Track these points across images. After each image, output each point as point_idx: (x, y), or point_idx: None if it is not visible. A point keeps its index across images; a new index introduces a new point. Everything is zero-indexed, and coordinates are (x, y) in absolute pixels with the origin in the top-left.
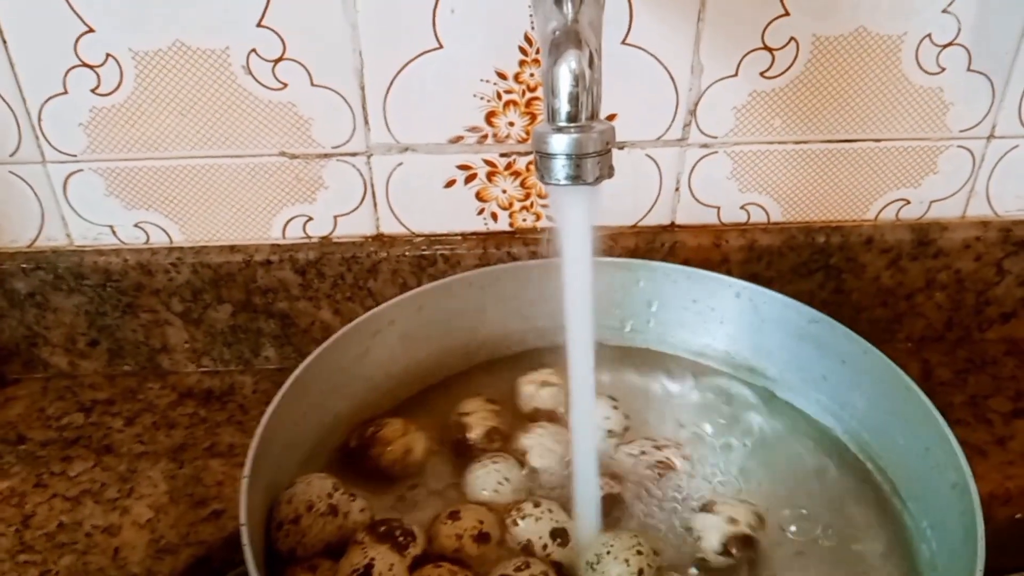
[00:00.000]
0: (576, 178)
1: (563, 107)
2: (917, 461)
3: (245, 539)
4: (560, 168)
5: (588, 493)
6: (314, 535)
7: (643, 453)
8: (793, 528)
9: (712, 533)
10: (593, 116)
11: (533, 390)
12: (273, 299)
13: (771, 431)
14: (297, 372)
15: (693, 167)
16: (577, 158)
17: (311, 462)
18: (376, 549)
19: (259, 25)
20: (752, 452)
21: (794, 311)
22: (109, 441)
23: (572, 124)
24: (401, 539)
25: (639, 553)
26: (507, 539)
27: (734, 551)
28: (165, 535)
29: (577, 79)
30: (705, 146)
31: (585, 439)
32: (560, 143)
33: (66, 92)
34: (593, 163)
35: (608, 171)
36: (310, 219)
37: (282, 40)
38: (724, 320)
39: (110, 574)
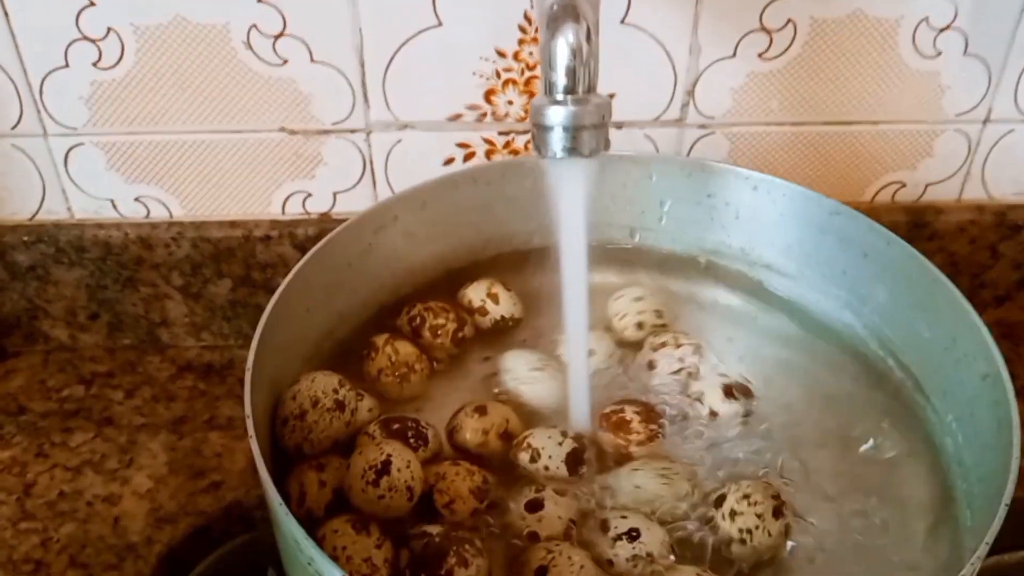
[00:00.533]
0: (572, 150)
1: (560, 80)
2: (942, 354)
3: (251, 430)
4: (557, 140)
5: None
6: (320, 431)
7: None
8: (807, 426)
9: (711, 390)
10: (590, 89)
11: None
12: (272, 274)
13: (785, 331)
14: (298, 266)
15: (691, 148)
16: (574, 130)
17: (315, 360)
18: (391, 445)
19: (260, 1)
20: (762, 352)
21: (815, 203)
22: (109, 413)
23: (569, 97)
24: (413, 439)
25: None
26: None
27: (736, 395)
28: (164, 505)
29: (574, 52)
30: (703, 127)
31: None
32: (557, 115)
33: (67, 66)
34: (590, 135)
35: (604, 144)
36: (309, 195)
37: (282, 16)
38: (740, 215)
39: (110, 542)
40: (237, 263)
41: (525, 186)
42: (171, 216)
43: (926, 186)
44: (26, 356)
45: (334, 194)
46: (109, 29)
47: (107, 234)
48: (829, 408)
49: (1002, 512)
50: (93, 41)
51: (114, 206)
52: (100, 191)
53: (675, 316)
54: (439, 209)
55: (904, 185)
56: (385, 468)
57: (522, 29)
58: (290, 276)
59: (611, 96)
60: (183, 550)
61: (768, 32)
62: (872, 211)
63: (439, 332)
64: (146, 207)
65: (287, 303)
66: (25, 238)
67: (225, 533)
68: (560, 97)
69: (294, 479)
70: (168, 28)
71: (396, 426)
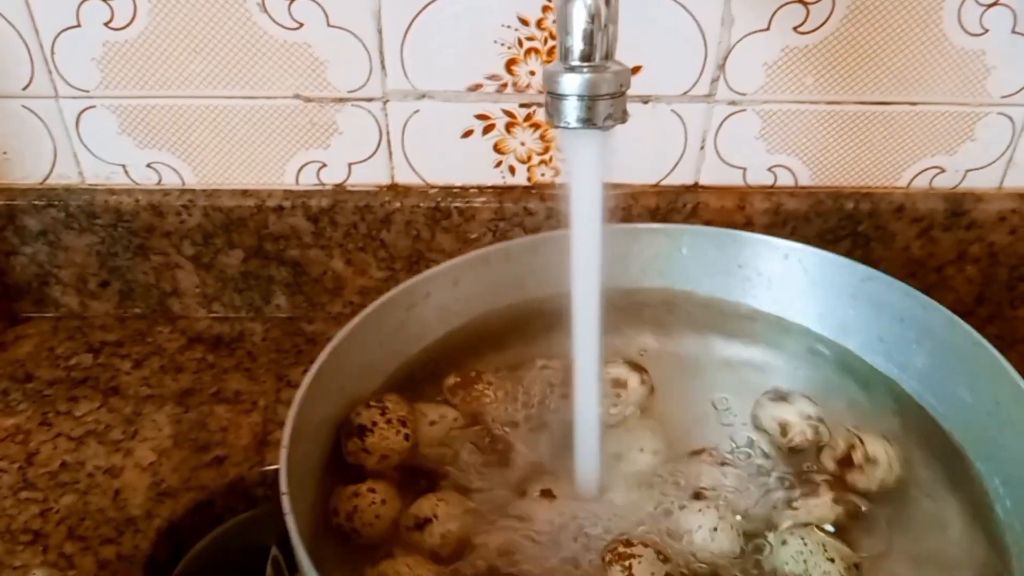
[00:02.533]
0: (587, 120)
1: (576, 45)
2: (986, 418)
3: (287, 507)
4: (571, 110)
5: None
6: None
7: None
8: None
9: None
10: (608, 57)
11: None
12: (285, 246)
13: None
14: (332, 344)
15: (720, 125)
16: (589, 99)
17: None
18: None
19: None
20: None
21: (848, 270)
22: (116, 383)
23: (585, 64)
24: None
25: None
26: None
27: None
28: (167, 479)
29: (592, 16)
30: (733, 103)
31: (589, 395)
32: (572, 83)
33: (79, 25)
34: (606, 105)
35: (622, 115)
36: (324, 165)
37: None
38: (772, 284)
39: (109, 515)
40: (249, 233)
41: (555, 258)
42: (183, 183)
43: (966, 172)
44: (36, 322)
45: (349, 165)
46: None
47: (118, 200)
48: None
49: None
50: (105, 0)
51: (126, 172)
52: (112, 156)
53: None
54: (471, 285)
55: (943, 170)
56: None
57: None
58: (324, 354)
59: (637, 69)
60: (184, 525)
61: (805, 4)
62: (908, 197)
63: None
64: (158, 173)
65: (321, 382)
66: (36, 202)
67: (227, 509)
68: (576, 64)
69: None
70: None
71: None
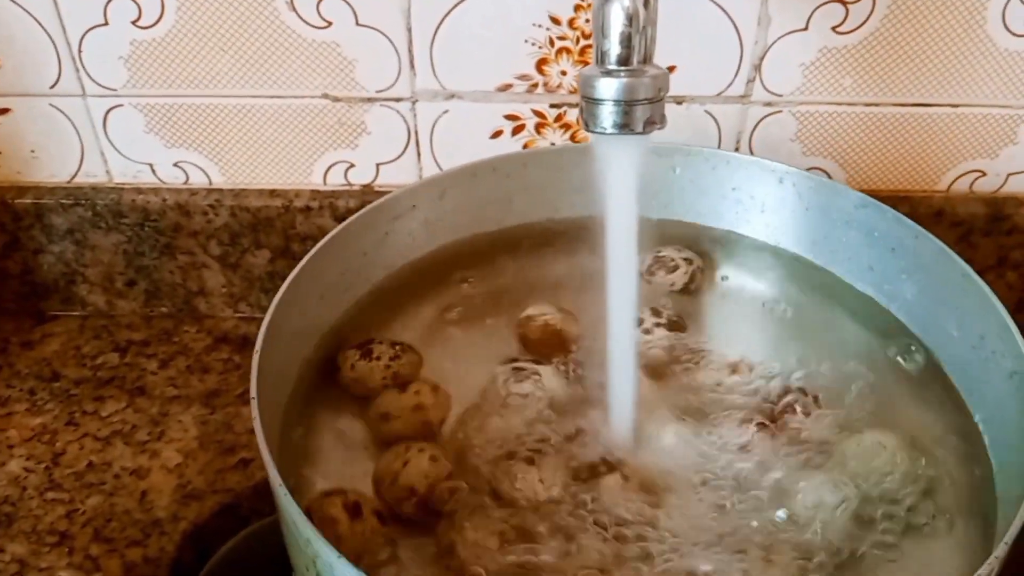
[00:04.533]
0: (624, 126)
1: (613, 49)
2: (971, 352)
3: (255, 412)
4: (607, 115)
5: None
6: None
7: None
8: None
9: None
10: (646, 60)
11: None
12: (312, 246)
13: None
14: (310, 254)
15: (755, 126)
16: (626, 104)
17: (325, 348)
18: None
19: None
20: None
21: (842, 196)
22: (143, 383)
23: (623, 68)
24: None
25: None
26: None
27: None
28: (193, 481)
29: (630, 18)
30: (769, 104)
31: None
32: (609, 88)
33: (107, 23)
34: (644, 110)
35: (660, 120)
36: (352, 166)
37: None
38: (765, 208)
39: (136, 517)
40: (276, 234)
41: (546, 176)
42: (210, 183)
43: (1008, 176)
44: (63, 320)
45: (377, 165)
46: None
47: (145, 200)
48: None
49: (1017, 522)
50: None
51: (153, 171)
52: (139, 155)
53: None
54: (458, 199)
55: (984, 174)
56: None
57: None
58: (302, 263)
59: (671, 69)
60: (209, 528)
61: (844, 3)
62: (948, 201)
63: None
64: (185, 173)
65: (298, 290)
66: (63, 201)
67: (253, 512)
68: (613, 67)
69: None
70: None
71: None
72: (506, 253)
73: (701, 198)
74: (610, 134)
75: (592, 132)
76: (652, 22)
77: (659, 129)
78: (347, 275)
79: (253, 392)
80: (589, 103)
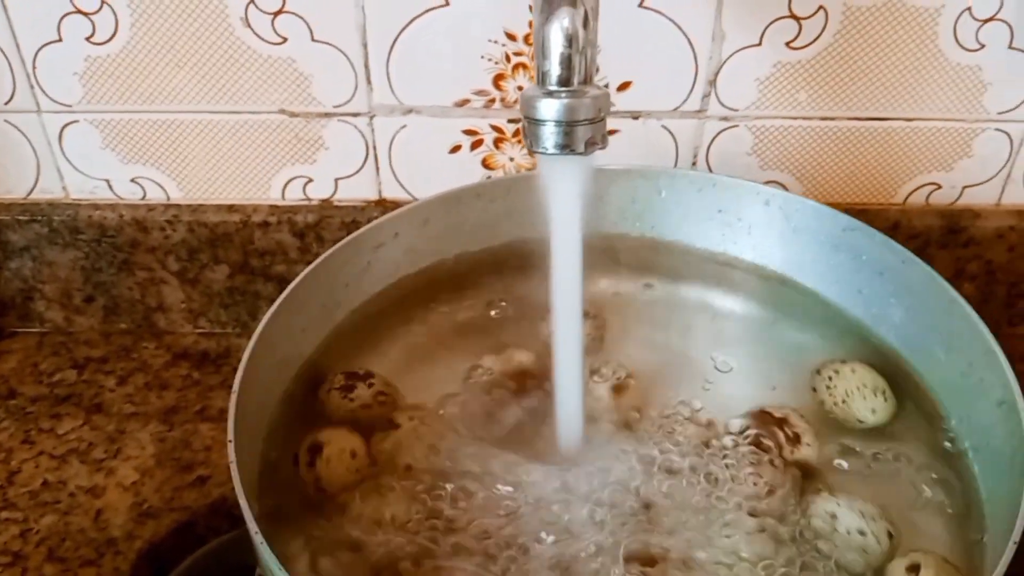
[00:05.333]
0: (565, 147)
1: (554, 70)
2: (959, 379)
3: (232, 455)
4: (549, 136)
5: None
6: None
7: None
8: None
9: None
10: (587, 80)
11: None
12: (271, 261)
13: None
14: (292, 286)
15: (712, 141)
16: (567, 125)
17: (305, 379)
18: None
19: None
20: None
21: (829, 219)
22: (100, 400)
23: (563, 88)
24: None
25: None
26: None
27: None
28: (149, 499)
29: (570, 39)
30: (725, 119)
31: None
32: (549, 109)
33: (60, 40)
34: (584, 131)
35: (602, 141)
36: (310, 180)
37: None
38: (752, 231)
39: (90, 536)
40: (234, 249)
41: (530, 200)
42: (168, 198)
43: (963, 188)
44: (20, 338)
45: (335, 180)
46: (103, 2)
47: (102, 215)
48: None
49: (1009, 551)
50: (86, 14)
51: (110, 186)
52: (95, 170)
53: None
54: (441, 226)
55: (939, 187)
56: None
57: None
58: (285, 294)
59: (627, 84)
60: (165, 546)
61: (797, 19)
62: (904, 214)
63: None
64: (142, 188)
65: (279, 322)
66: (19, 217)
67: (210, 530)
68: (554, 88)
69: None
70: (163, 2)
71: None
72: (494, 275)
73: (686, 220)
74: (551, 154)
75: (535, 152)
76: (592, 43)
77: (600, 149)
78: (328, 307)
79: (230, 435)
80: (531, 123)
